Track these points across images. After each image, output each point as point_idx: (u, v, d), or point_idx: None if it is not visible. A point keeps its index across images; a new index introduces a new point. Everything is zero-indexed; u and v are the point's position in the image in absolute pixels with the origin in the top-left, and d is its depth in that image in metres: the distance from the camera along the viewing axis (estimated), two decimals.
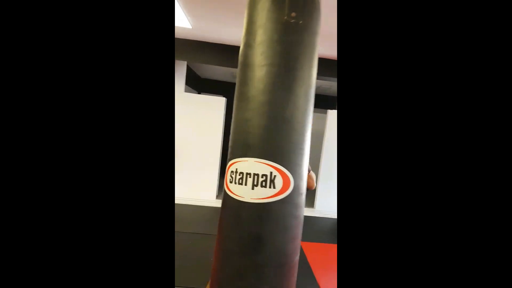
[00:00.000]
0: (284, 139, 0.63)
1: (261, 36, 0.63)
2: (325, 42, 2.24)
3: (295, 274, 0.68)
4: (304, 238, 2.48)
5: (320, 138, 3.62)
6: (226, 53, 2.85)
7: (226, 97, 3.55)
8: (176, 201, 3.28)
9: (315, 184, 1.06)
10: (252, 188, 0.63)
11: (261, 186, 0.63)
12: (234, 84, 5.52)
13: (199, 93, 4.33)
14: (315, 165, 2.47)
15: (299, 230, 0.67)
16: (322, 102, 4.94)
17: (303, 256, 2.18)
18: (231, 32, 2.43)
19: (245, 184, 0.64)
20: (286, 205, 0.63)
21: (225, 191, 0.70)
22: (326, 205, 3.53)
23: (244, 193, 0.64)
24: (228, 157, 0.71)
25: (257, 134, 0.64)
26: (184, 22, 2.31)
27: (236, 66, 2.92)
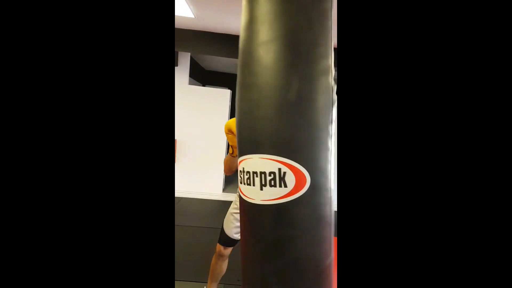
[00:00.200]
0: (295, 129, 0.53)
1: (265, 6, 0.53)
2: None
3: (329, 279, 0.59)
4: None
5: None
6: (231, 43, 2.78)
7: (231, 89, 3.51)
8: (182, 195, 3.30)
9: None
10: (261, 189, 0.55)
11: (270, 185, 0.54)
12: (234, 75, 5.51)
13: (203, 85, 4.29)
14: None
15: (326, 232, 0.57)
16: None
17: None
18: (236, 21, 2.36)
19: (253, 185, 0.57)
20: (303, 205, 0.54)
21: (239, 192, 0.64)
22: None
23: (254, 195, 0.57)
24: (237, 155, 0.65)
25: (263, 126, 0.55)
26: (186, 11, 2.25)
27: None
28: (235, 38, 2.75)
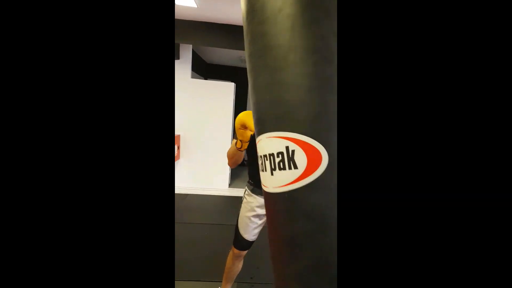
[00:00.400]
0: (302, 95, 0.43)
1: None
2: None
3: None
4: None
5: None
6: (235, 34, 2.70)
7: (234, 82, 3.45)
8: (187, 191, 3.27)
9: None
10: (271, 174, 0.46)
11: (279, 168, 0.45)
12: (242, 68, 5.33)
13: (205, 79, 4.23)
14: None
15: None
16: None
17: None
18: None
19: (265, 170, 0.48)
20: (320, 190, 0.42)
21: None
22: None
23: (267, 182, 0.48)
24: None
25: (269, 101, 0.46)
26: (188, 1, 2.18)
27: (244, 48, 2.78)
28: (240, 28, 2.68)
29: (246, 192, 1.32)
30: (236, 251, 1.29)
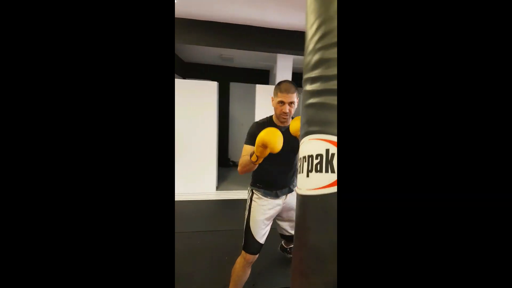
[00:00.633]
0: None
1: None
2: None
3: None
4: None
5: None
6: (216, 32, 2.61)
7: (216, 81, 3.35)
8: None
9: None
10: (307, 175, 0.45)
11: (316, 171, 0.44)
12: (223, 67, 5.19)
13: (183, 78, 4.08)
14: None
15: None
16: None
17: None
18: (224, 7, 2.21)
19: (302, 172, 0.47)
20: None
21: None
22: None
23: (301, 183, 0.47)
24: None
25: (319, 105, 0.45)
26: None
27: (227, 45, 2.72)
28: (222, 26, 2.59)
29: (256, 196, 1.32)
30: (249, 256, 1.27)
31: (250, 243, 1.26)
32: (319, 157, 0.44)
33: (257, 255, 1.28)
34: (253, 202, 1.31)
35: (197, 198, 3.15)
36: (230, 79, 4.74)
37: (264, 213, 1.29)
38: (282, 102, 1.18)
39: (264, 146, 1.01)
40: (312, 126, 0.46)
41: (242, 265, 1.28)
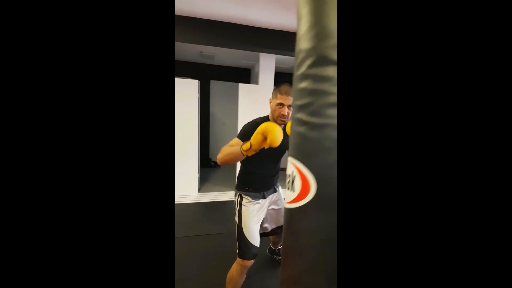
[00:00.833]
0: (314, 131, 0.48)
1: None
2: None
3: None
4: None
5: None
6: (196, 28, 2.54)
7: (198, 79, 3.26)
8: None
9: None
10: (287, 189, 0.55)
11: (287, 188, 0.54)
12: (204, 65, 5.05)
13: None
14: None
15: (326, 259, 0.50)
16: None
17: None
18: (207, 3, 2.14)
19: (286, 187, 0.56)
20: (306, 216, 0.49)
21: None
22: None
23: (286, 197, 0.57)
24: None
25: (296, 133, 0.53)
26: None
27: (208, 42, 2.65)
28: (204, 22, 2.51)
29: (245, 200, 1.30)
30: (246, 262, 1.25)
31: (246, 249, 1.24)
32: (289, 177, 0.53)
33: (254, 259, 1.27)
34: (242, 207, 1.29)
35: (178, 201, 3.05)
36: (210, 77, 4.64)
37: (255, 216, 1.29)
38: (281, 104, 1.19)
39: (264, 135, 0.97)
40: (291, 150, 0.55)
41: (240, 272, 1.26)
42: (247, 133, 1.17)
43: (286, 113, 1.20)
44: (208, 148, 4.83)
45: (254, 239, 1.25)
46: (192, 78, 3.28)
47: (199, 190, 3.45)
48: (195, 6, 2.25)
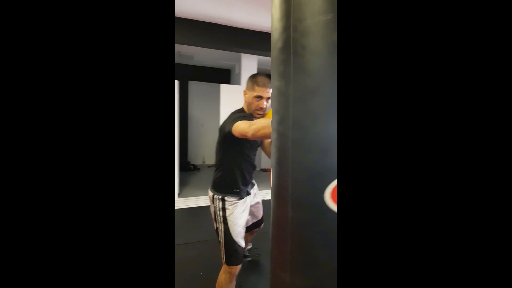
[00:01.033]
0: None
1: None
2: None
3: None
4: None
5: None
6: (177, 27, 2.42)
7: (178, 80, 3.12)
8: None
9: None
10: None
11: None
12: (182, 66, 4.91)
13: None
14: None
15: None
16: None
17: None
18: (187, 2, 2.04)
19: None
20: None
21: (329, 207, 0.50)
22: None
23: None
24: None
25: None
26: None
27: (188, 42, 2.54)
28: (181, 21, 2.41)
29: (229, 203, 1.20)
30: (235, 268, 1.19)
31: (235, 254, 1.18)
32: None
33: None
34: (227, 211, 1.19)
35: None
36: (189, 78, 4.49)
37: (241, 218, 1.22)
38: (259, 97, 1.13)
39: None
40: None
41: (228, 280, 1.19)
42: (243, 117, 1.08)
43: (265, 106, 1.14)
44: (187, 151, 4.66)
45: (242, 240, 1.20)
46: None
47: (179, 195, 3.30)
48: (176, 5, 2.14)
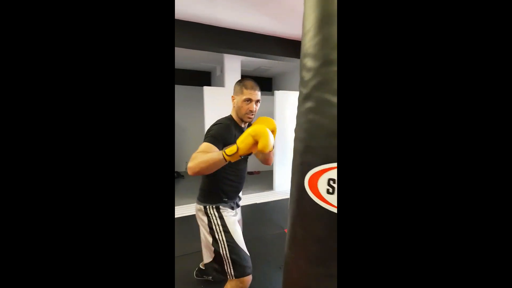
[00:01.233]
0: None
1: None
2: (286, 19, 2.08)
3: None
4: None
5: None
6: None
7: None
8: None
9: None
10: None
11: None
12: None
13: None
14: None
15: None
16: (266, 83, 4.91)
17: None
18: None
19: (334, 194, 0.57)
20: None
21: (320, 206, 0.58)
22: (286, 186, 3.61)
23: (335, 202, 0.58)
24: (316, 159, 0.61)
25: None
26: None
27: None
28: None
29: (224, 211, 1.15)
30: (246, 279, 1.09)
31: (244, 263, 1.09)
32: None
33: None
34: (225, 218, 1.14)
35: None
36: None
37: (239, 227, 1.20)
38: (249, 100, 1.12)
39: (256, 139, 0.86)
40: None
41: None
42: (220, 136, 1.05)
43: (255, 109, 1.13)
44: None
45: (246, 248, 1.14)
46: None
47: None
48: None
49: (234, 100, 1.16)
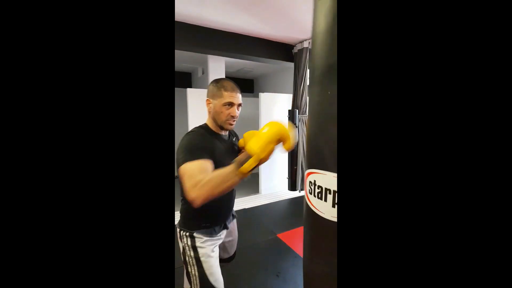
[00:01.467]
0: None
1: None
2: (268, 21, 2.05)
3: None
4: (280, 229, 2.38)
5: (256, 121, 3.55)
6: None
7: None
8: None
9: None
10: (333, 206, 0.61)
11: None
12: None
13: None
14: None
15: None
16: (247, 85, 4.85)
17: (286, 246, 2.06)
18: None
19: (326, 201, 0.62)
20: None
21: (306, 201, 0.71)
22: (272, 189, 3.58)
23: (325, 210, 0.63)
24: (306, 164, 0.69)
25: (333, 142, 0.59)
26: None
27: None
28: None
29: (200, 240, 0.97)
30: None
31: None
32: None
33: None
34: (199, 250, 0.96)
35: None
36: None
37: (216, 255, 1.00)
38: (230, 104, 0.93)
39: (281, 141, 0.67)
40: (331, 163, 0.64)
41: None
42: (199, 149, 0.85)
43: (236, 114, 0.96)
44: None
45: (222, 284, 0.99)
46: None
47: None
48: None
49: (210, 105, 0.96)
